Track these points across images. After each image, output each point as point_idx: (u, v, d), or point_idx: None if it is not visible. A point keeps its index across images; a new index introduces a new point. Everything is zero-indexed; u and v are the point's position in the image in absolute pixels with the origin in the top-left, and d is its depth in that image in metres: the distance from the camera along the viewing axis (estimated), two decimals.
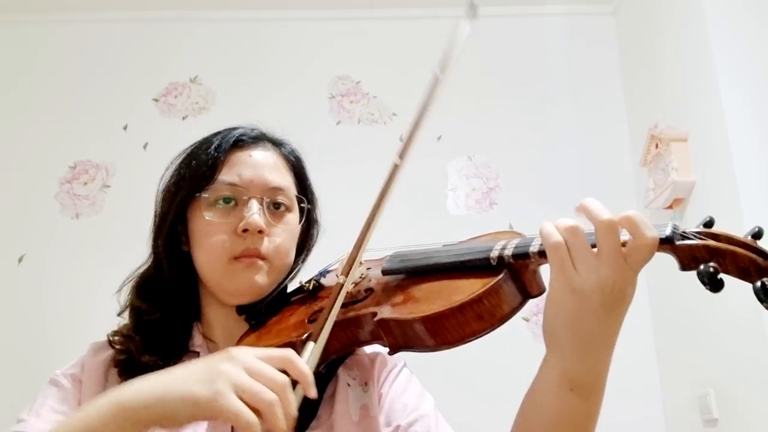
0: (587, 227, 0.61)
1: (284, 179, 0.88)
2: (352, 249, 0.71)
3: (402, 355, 0.89)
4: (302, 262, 0.93)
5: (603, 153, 2.49)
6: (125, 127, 2.50)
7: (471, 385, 2.11)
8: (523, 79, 2.62)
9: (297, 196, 0.89)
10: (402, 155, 0.70)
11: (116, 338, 0.85)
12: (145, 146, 2.44)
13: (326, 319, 0.66)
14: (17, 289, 2.25)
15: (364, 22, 2.70)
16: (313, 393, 0.59)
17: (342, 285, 0.69)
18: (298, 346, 0.74)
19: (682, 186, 1.99)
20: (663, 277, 2.24)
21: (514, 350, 1.86)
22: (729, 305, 1.77)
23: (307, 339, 0.73)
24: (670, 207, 2.09)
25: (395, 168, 0.70)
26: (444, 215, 2.42)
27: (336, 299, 0.67)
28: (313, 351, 0.64)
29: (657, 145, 2.11)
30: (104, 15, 2.64)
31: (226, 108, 2.52)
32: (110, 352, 0.85)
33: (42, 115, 2.50)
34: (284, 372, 0.58)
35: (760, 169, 1.79)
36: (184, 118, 2.53)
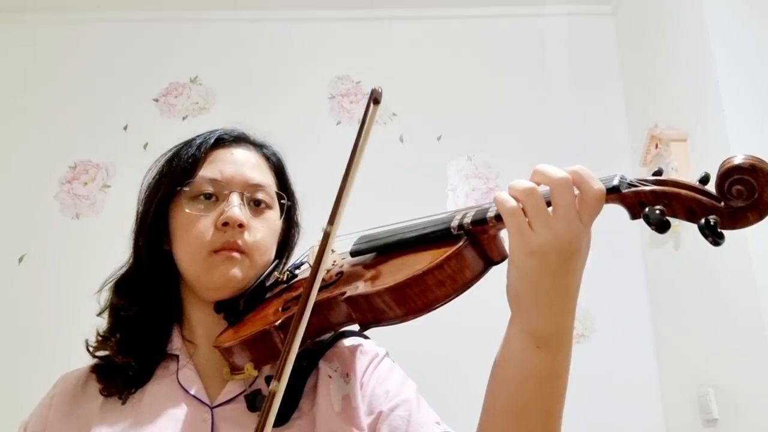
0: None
1: (265, 177, 0.89)
2: (317, 249, 0.70)
3: (386, 345, 0.90)
4: (285, 263, 0.93)
5: (603, 153, 2.49)
6: (125, 127, 2.50)
7: (466, 380, 2.10)
8: (523, 80, 2.62)
9: (277, 193, 0.90)
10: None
11: (94, 343, 0.86)
12: (145, 146, 2.44)
13: (309, 292, 0.65)
14: (17, 289, 2.25)
15: (364, 22, 2.70)
16: None
17: (312, 281, 0.67)
18: (272, 334, 0.75)
19: None
20: (663, 278, 2.25)
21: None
22: (729, 306, 1.77)
23: (281, 325, 0.74)
24: None
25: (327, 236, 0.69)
26: None
27: (309, 291, 0.67)
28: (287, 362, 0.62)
29: (657, 145, 2.11)
30: (105, 15, 2.64)
31: (226, 108, 2.53)
32: (86, 367, 0.86)
33: (42, 115, 2.50)
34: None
35: None
36: (184, 118, 2.53)
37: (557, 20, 2.69)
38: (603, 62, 2.64)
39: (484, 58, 2.65)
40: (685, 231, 2.03)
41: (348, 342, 0.88)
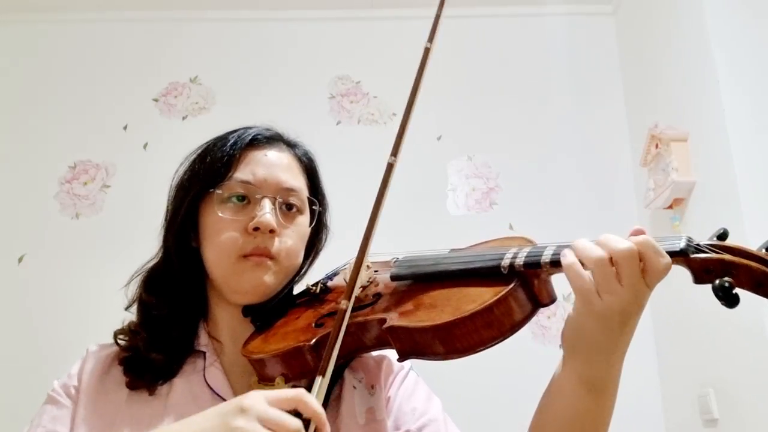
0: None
1: (297, 180, 0.88)
2: (352, 270, 0.70)
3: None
4: (309, 265, 0.93)
5: (603, 153, 2.49)
6: (125, 127, 2.50)
7: (470, 384, 2.10)
8: (523, 79, 2.62)
9: (309, 198, 0.89)
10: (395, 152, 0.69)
11: (122, 335, 0.85)
12: (145, 146, 2.44)
13: (333, 348, 0.65)
14: (17, 289, 2.25)
15: (364, 22, 2.70)
16: (327, 431, 0.61)
17: (345, 311, 0.68)
18: (305, 352, 0.73)
19: (682, 186, 1.99)
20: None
21: (515, 350, 1.86)
22: None
23: (316, 344, 0.73)
24: (670, 207, 2.09)
25: (390, 167, 0.70)
26: (444, 215, 2.42)
27: (341, 326, 0.67)
28: (321, 384, 0.64)
29: (657, 145, 2.11)
30: (104, 15, 2.64)
31: (226, 108, 2.52)
32: (114, 348, 0.85)
33: (42, 115, 2.50)
34: (296, 412, 0.60)
35: (760, 169, 1.78)
36: (184, 118, 2.53)
37: (557, 20, 2.68)
38: (603, 62, 2.64)
39: (484, 58, 2.65)
40: (686, 230, 2.02)
41: (374, 352, 0.87)
